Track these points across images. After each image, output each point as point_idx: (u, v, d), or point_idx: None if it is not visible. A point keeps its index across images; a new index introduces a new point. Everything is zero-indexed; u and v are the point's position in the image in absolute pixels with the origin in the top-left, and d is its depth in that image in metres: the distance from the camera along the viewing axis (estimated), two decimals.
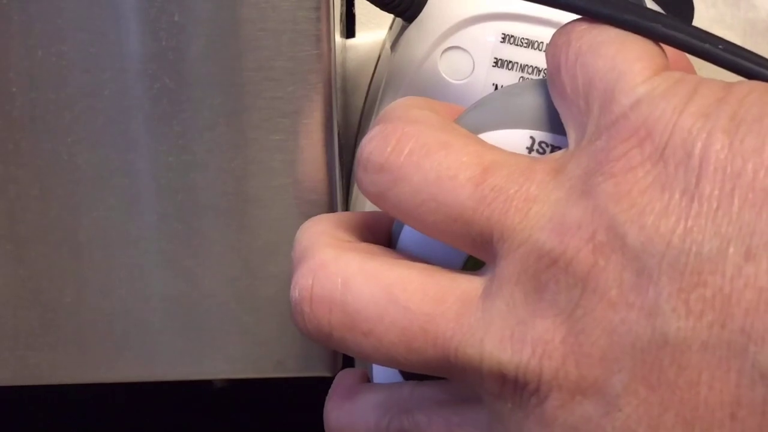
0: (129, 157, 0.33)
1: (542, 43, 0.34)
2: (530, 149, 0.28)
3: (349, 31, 0.40)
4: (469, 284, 0.27)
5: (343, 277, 0.28)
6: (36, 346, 0.36)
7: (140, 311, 0.35)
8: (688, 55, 0.28)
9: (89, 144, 0.33)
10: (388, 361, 0.28)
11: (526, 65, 0.34)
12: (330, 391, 0.31)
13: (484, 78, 0.34)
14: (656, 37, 0.27)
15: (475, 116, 0.29)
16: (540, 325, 0.25)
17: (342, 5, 0.38)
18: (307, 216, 0.34)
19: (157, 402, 0.47)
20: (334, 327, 0.28)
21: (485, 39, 0.34)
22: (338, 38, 0.35)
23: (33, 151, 0.33)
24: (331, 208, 0.34)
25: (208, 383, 0.45)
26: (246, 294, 0.35)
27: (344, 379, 0.31)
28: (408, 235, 0.29)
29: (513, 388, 0.26)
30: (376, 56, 0.40)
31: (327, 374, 0.36)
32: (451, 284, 0.27)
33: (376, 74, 0.39)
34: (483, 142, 0.28)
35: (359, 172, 0.28)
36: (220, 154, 0.33)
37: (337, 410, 0.31)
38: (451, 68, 0.35)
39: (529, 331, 0.26)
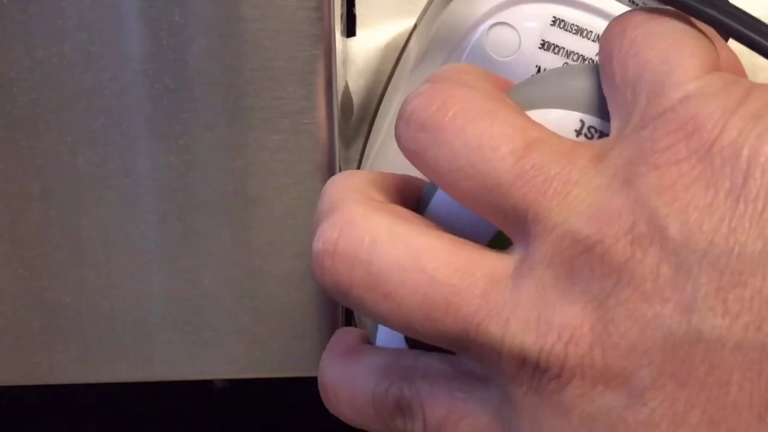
0: (129, 157, 0.33)
1: (591, 32, 0.33)
2: (578, 132, 0.28)
3: (350, 31, 0.40)
4: (499, 262, 0.27)
5: (371, 235, 0.27)
6: (36, 346, 0.36)
7: (140, 311, 0.35)
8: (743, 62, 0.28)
9: (90, 144, 0.33)
10: (403, 327, 0.27)
11: (572, 52, 0.34)
12: (328, 346, 0.31)
13: (529, 58, 0.34)
14: (711, 23, 0.27)
15: (528, 91, 0.29)
16: (569, 311, 0.25)
17: (342, 5, 0.38)
18: (308, 216, 0.34)
19: (157, 402, 0.47)
20: (354, 284, 0.27)
21: (536, 19, 0.34)
22: (339, 38, 0.35)
23: (33, 151, 0.33)
24: None
25: (208, 383, 0.45)
26: (246, 294, 0.35)
27: (343, 336, 0.31)
28: (439, 201, 0.29)
29: (532, 372, 0.26)
30: (379, 58, 0.40)
31: None
32: (481, 259, 0.27)
33: (408, 46, 0.38)
34: (529, 118, 0.28)
35: (400, 127, 0.28)
36: (220, 154, 0.33)
37: (333, 367, 0.30)
38: (496, 44, 0.34)
39: (556, 315, 0.25)
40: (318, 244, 0.28)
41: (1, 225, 0.34)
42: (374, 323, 0.31)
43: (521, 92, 0.29)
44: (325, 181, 0.34)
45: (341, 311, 0.36)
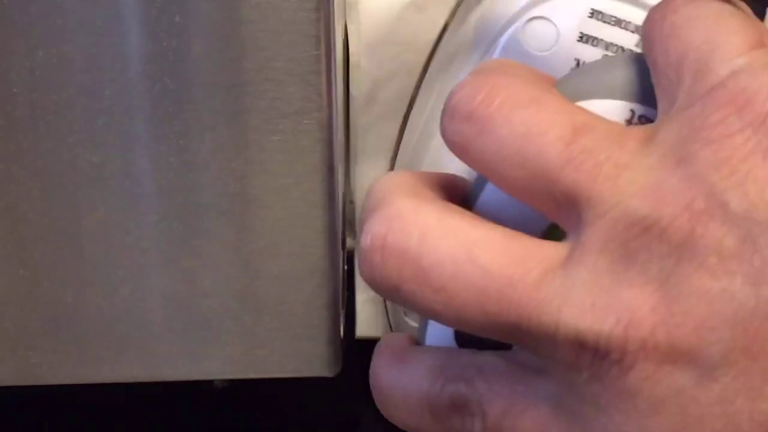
0: (129, 158, 0.33)
1: (629, 22, 0.33)
2: (629, 122, 0.28)
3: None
4: (553, 251, 0.26)
5: (421, 229, 0.27)
6: (36, 346, 0.36)
7: (140, 311, 0.35)
8: None
9: (90, 144, 0.33)
10: (456, 321, 0.27)
11: (611, 44, 0.34)
12: (377, 351, 0.30)
13: (567, 52, 0.34)
14: None
15: (575, 83, 0.29)
16: (627, 294, 0.25)
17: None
18: (307, 216, 0.34)
19: (157, 402, 0.47)
20: (405, 280, 0.27)
21: (573, 12, 0.34)
22: (339, 38, 0.35)
23: (34, 152, 0.33)
24: (332, 209, 0.34)
25: (208, 383, 0.45)
26: (246, 294, 0.35)
27: (393, 340, 0.31)
28: (488, 196, 0.29)
29: (591, 358, 0.25)
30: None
31: (327, 374, 0.36)
32: (534, 249, 0.26)
33: (441, 45, 0.38)
34: (576, 105, 0.27)
35: (444, 120, 0.27)
36: (220, 154, 0.33)
37: (386, 370, 0.30)
38: (534, 38, 0.34)
39: (614, 300, 0.25)
40: (366, 240, 0.27)
41: (1, 225, 0.34)
42: (423, 324, 0.31)
43: (568, 84, 0.29)
44: (325, 181, 0.34)
45: (342, 311, 0.36)
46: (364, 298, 0.40)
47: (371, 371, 0.30)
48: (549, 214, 0.27)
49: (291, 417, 0.48)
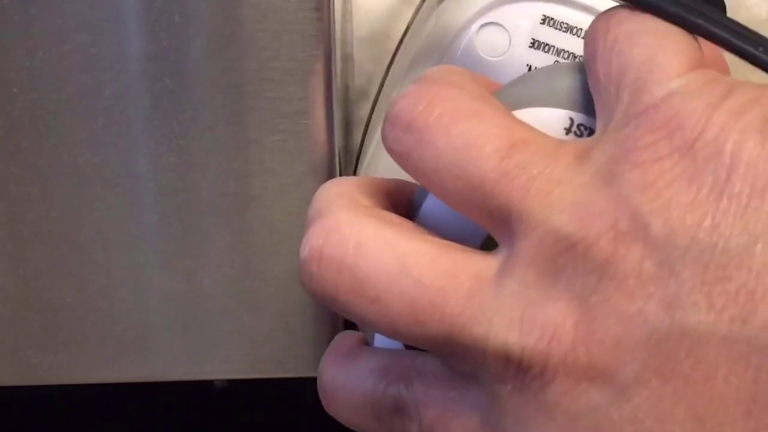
0: (129, 158, 0.33)
1: (581, 29, 0.34)
2: (568, 130, 0.28)
3: None
4: (484, 263, 0.27)
5: (356, 241, 0.27)
6: (36, 346, 0.36)
7: (140, 311, 0.35)
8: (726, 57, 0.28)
9: (90, 144, 0.33)
10: (391, 332, 0.27)
11: (563, 50, 0.34)
12: (328, 350, 0.31)
13: (519, 58, 0.34)
14: (697, 31, 0.27)
15: (517, 91, 0.29)
16: (552, 309, 0.25)
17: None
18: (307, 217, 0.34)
19: (157, 402, 0.48)
20: (341, 290, 0.27)
21: (525, 18, 0.34)
22: (339, 38, 0.35)
23: (34, 152, 0.33)
24: None
25: (208, 383, 0.45)
26: (246, 294, 0.35)
27: (343, 340, 0.31)
28: (431, 204, 0.29)
29: (516, 371, 0.26)
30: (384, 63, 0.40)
31: None
32: (466, 261, 0.27)
33: (402, 48, 0.38)
34: (515, 118, 0.28)
35: (386, 128, 0.28)
36: (220, 154, 0.33)
37: (332, 369, 0.30)
38: (486, 44, 0.34)
39: (539, 314, 0.25)
40: (304, 251, 0.28)
41: (2, 225, 0.34)
42: None
43: (510, 92, 0.29)
44: (324, 181, 0.34)
45: None
46: None
47: (319, 369, 0.31)
48: (484, 224, 0.27)
49: (291, 417, 0.48)
